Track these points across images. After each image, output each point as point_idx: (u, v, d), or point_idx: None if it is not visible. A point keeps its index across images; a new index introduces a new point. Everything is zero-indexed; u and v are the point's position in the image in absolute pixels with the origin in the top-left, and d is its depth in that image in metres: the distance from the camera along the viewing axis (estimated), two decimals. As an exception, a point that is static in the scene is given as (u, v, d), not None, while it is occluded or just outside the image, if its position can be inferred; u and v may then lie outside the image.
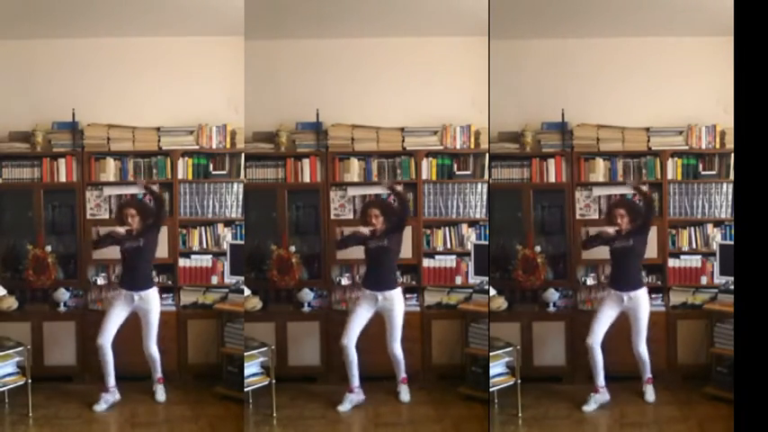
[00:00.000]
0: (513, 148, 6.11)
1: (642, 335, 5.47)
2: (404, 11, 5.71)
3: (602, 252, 5.63)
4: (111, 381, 5.49)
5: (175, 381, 5.81)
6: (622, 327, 5.52)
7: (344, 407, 5.47)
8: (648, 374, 5.53)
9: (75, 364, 6.00)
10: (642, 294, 5.48)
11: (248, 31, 5.48)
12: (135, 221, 5.50)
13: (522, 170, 6.12)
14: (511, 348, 5.42)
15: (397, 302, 5.56)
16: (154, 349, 5.54)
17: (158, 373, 5.61)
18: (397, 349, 5.57)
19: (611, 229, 5.43)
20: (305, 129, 6.18)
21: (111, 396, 5.50)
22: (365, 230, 5.50)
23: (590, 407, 5.40)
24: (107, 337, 5.45)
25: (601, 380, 5.43)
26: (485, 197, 6.11)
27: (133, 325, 5.57)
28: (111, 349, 5.48)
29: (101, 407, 5.44)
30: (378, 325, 5.62)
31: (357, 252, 5.72)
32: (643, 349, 5.48)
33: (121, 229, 5.50)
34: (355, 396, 5.52)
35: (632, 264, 5.50)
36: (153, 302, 5.54)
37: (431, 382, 5.94)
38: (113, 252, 5.67)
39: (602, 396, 5.45)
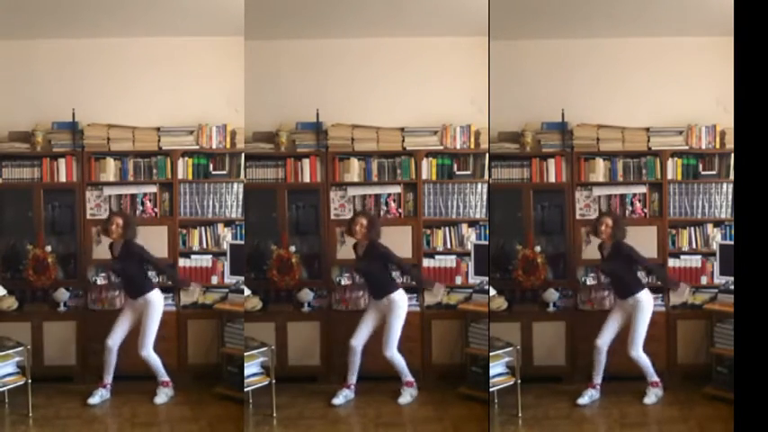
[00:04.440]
0: (513, 148, 6.11)
1: (638, 340, 5.46)
2: (404, 11, 5.71)
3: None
4: (109, 378, 5.58)
5: (175, 381, 5.80)
6: (626, 328, 5.54)
7: (338, 400, 5.55)
8: (654, 378, 5.52)
9: (75, 364, 6.01)
10: (643, 297, 5.49)
11: (248, 31, 5.48)
12: (117, 232, 5.56)
13: (522, 170, 6.12)
14: (511, 348, 5.42)
15: (396, 306, 5.58)
16: (148, 353, 5.55)
17: (163, 377, 5.62)
18: (393, 354, 5.58)
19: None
20: (305, 129, 6.18)
21: (106, 392, 5.58)
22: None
23: (584, 400, 5.48)
24: (116, 340, 5.57)
25: (599, 378, 5.52)
26: (485, 197, 6.11)
27: (137, 326, 5.61)
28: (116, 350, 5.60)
29: (94, 399, 5.52)
30: (381, 327, 5.65)
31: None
32: (636, 354, 5.46)
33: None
34: (350, 392, 5.61)
35: (623, 275, 5.53)
36: (153, 305, 5.56)
37: (431, 382, 5.93)
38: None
39: (597, 393, 5.53)
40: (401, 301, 5.62)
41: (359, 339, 5.61)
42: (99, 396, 5.55)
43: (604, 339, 5.52)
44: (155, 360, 5.59)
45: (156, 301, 5.60)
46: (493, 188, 6.04)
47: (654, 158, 6.06)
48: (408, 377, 5.63)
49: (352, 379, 5.62)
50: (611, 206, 6.04)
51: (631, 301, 5.50)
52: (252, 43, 5.62)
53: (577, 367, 5.86)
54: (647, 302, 5.51)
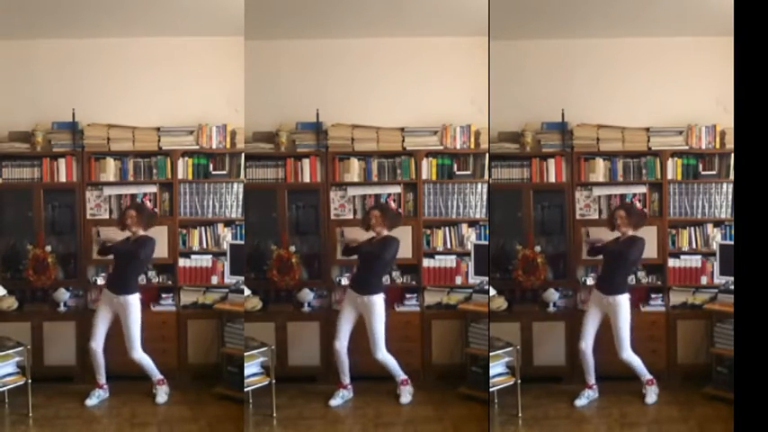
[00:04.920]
0: (513, 148, 6.11)
1: (624, 342, 5.46)
2: (404, 11, 5.71)
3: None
4: (103, 379, 5.60)
5: (175, 381, 5.80)
6: (609, 331, 5.54)
7: (336, 401, 5.56)
8: (648, 376, 5.53)
9: (75, 364, 6.00)
10: (622, 301, 5.47)
11: (248, 31, 5.48)
12: (133, 222, 5.55)
13: (522, 170, 6.12)
14: (511, 348, 5.42)
15: (374, 308, 5.56)
16: (138, 355, 5.55)
17: (157, 376, 5.61)
18: (382, 355, 5.58)
19: (610, 236, 5.54)
20: (305, 129, 6.18)
21: (104, 392, 5.59)
22: (367, 236, 5.64)
23: (581, 401, 5.49)
24: (98, 341, 5.57)
25: (592, 379, 5.54)
26: (485, 197, 6.11)
27: (118, 326, 5.61)
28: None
29: (91, 401, 5.54)
30: (360, 326, 5.65)
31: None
32: (627, 355, 5.47)
33: (122, 234, 5.62)
34: (347, 392, 5.61)
35: (620, 269, 5.54)
36: (130, 308, 5.53)
37: (431, 382, 5.94)
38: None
39: (594, 393, 5.53)
40: (378, 304, 5.58)
41: (342, 341, 5.60)
42: (96, 397, 5.57)
43: (587, 342, 5.52)
44: (147, 361, 5.59)
45: (134, 305, 5.55)
46: (493, 188, 6.04)
47: (654, 158, 6.06)
48: (402, 376, 5.62)
49: (346, 379, 5.62)
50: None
51: (611, 300, 5.47)
52: (252, 43, 5.62)
53: (577, 367, 5.84)
54: (625, 306, 5.48)
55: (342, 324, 5.63)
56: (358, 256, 5.70)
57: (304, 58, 6.14)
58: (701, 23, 5.77)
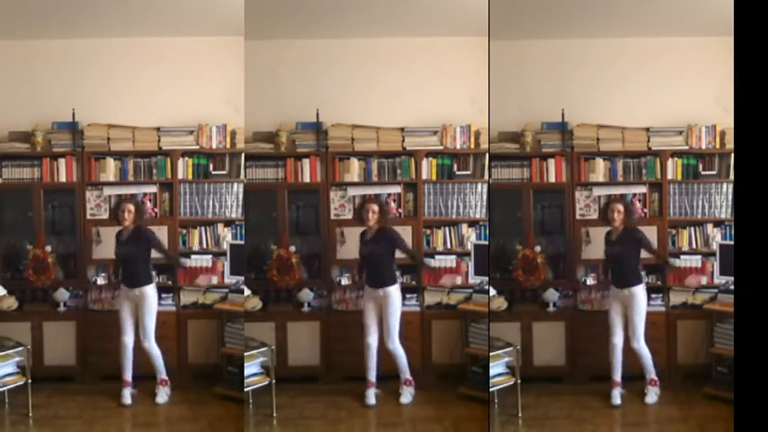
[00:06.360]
0: (513, 148, 6.11)
1: (638, 332, 5.48)
2: (404, 11, 5.71)
3: (602, 252, 5.67)
4: (129, 375, 5.59)
5: (175, 381, 5.80)
6: (624, 327, 5.54)
7: (371, 400, 5.55)
8: (653, 376, 5.53)
9: (75, 364, 6.01)
10: (638, 291, 5.50)
11: (248, 31, 5.48)
12: (130, 218, 5.56)
13: (522, 170, 6.12)
14: (511, 348, 5.42)
15: (391, 300, 5.58)
16: (150, 344, 5.57)
17: (162, 374, 5.62)
18: (394, 346, 5.59)
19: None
20: (305, 129, 6.18)
21: (134, 390, 5.61)
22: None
23: (617, 400, 5.46)
24: (129, 334, 5.59)
25: (618, 376, 5.51)
26: (485, 197, 6.11)
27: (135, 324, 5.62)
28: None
29: (127, 400, 5.53)
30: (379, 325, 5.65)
31: (357, 252, 5.76)
32: (638, 346, 5.49)
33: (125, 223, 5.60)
34: (375, 389, 5.60)
35: (627, 263, 5.53)
36: (147, 299, 5.56)
37: (431, 382, 5.93)
38: (113, 252, 5.73)
39: (619, 390, 5.50)
40: (396, 296, 5.62)
41: (373, 336, 5.60)
42: (130, 396, 5.55)
43: (618, 337, 5.52)
44: (156, 353, 5.60)
45: (152, 295, 5.60)
46: (493, 188, 6.04)
47: (654, 158, 6.06)
48: (407, 375, 5.62)
49: (373, 376, 5.59)
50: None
51: (627, 292, 5.50)
52: (252, 43, 5.62)
53: (577, 367, 5.86)
54: (641, 296, 5.52)
55: (368, 320, 5.62)
56: (362, 256, 5.69)
57: (304, 58, 6.15)
58: (701, 23, 5.77)
